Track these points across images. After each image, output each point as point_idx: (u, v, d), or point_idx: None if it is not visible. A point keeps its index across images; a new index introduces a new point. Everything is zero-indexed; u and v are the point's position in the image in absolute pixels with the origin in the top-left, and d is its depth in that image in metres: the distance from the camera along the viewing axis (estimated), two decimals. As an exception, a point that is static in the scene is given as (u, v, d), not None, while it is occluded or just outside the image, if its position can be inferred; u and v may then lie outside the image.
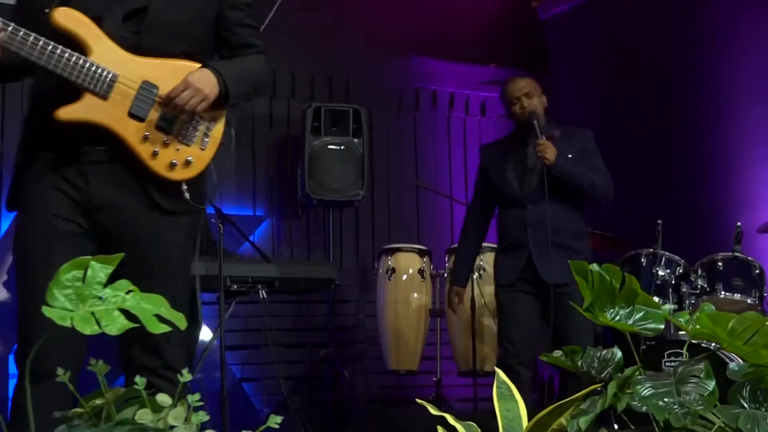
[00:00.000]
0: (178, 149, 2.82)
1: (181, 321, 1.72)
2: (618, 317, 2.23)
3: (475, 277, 5.78)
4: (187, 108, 2.79)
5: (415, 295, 6.17)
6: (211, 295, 5.44)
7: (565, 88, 7.42)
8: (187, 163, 2.83)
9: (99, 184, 2.74)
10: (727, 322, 2.10)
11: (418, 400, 2.08)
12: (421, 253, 6.26)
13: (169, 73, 2.82)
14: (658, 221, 5.14)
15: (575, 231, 4.74)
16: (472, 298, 5.70)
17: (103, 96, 2.70)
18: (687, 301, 5.06)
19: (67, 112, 2.67)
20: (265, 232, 6.93)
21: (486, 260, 5.97)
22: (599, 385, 2.06)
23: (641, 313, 2.23)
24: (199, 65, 2.88)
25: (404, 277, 6.19)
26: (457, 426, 1.94)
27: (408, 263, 6.21)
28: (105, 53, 2.71)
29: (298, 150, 6.62)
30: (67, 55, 2.65)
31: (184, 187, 2.85)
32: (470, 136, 7.74)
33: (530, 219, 4.68)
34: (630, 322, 2.23)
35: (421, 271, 6.18)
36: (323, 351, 6.32)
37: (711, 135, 6.51)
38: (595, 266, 2.22)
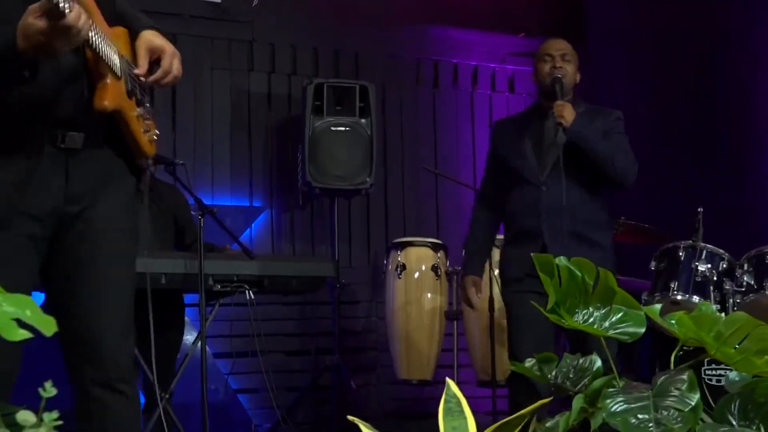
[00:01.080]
0: (148, 121, 2.84)
1: (48, 326, 1.63)
2: (591, 320, 2.13)
3: (495, 274, 5.66)
4: (179, 76, 2.81)
5: (429, 295, 6.08)
6: (196, 296, 5.38)
7: (603, 61, 7.30)
8: (156, 136, 2.88)
9: (80, 172, 2.68)
10: (711, 325, 1.98)
11: (350, 417, 1.99)
12: (435, 248, 6.16)
13: (123, 42, 2.79)
14: (699, 209, 4.99)
15: (595, 220, 4.57)
16: (491, 299, 5.59)
17: (120, 76, 2.68)
18: (731, 300, 4.91)
19: (111, 101, 2.62)
20: (263, 226, 6.87)
21: (507, 255, 5.86)
22: (550, 399, 1.96)
23: (619, 314, 2.13)
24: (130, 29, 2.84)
25: (416, 274, 6.10)
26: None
27: (420, 259, 6.12)
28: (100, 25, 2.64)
29: (300, 132, 6.55)
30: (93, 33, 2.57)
31: (150, 161, 2.88)
32: (497, 116, 7.58)
33: (546, 202, 4.48)
34: (606, 324, 2.13)
35: (435, 268, 6.09)
36: (328, 358, 6.28)
37: (759, 115, 6.36)
38: (562, 260, 2.12)
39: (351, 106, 6.51)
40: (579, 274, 2.11)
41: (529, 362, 2.29)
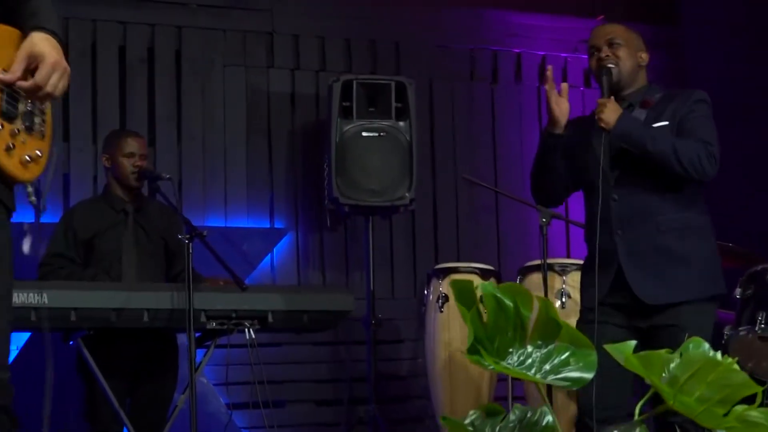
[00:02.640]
0: (24, 141, 2.78)
1: None
2: (530, 361, 1.98)
3: (556, 305, 5.52)
4: (57, 94, 2.77)
5: (477, 331, 5.93)
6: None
7: (697, 45, 7.14)
8: (37, 158, 2.81)
9: None
10: (662, 366, 1.81)
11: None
12: (484, 275, 6.01)
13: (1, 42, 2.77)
14: (792, 224, 4.89)
15: (685, 226, 4.37)
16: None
17: None
18: (831, 336, 4.75)
19: None
20: (287, 251, 6.83)
21: (569, 282, 5.72)
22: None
23: (564, 355, 1.97)
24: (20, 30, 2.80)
25: (461, 307, 5.96)
26: None
27: (466, 289, 5.98)
28: None
29: (327, 139, 6.48)
30: None
31: (30, 189, 2.82)
32: (570, 115, 7.46)
33: (619, 214, 4.36)
34: (547, 368, 1.97)
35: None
36: (363, 409, 6.23)
37: None
38: (488, 285, 1.96)
39: (386, 106, 6.45)
40: (511, 304, 1.95)
41: (472, 415, 2.13)
